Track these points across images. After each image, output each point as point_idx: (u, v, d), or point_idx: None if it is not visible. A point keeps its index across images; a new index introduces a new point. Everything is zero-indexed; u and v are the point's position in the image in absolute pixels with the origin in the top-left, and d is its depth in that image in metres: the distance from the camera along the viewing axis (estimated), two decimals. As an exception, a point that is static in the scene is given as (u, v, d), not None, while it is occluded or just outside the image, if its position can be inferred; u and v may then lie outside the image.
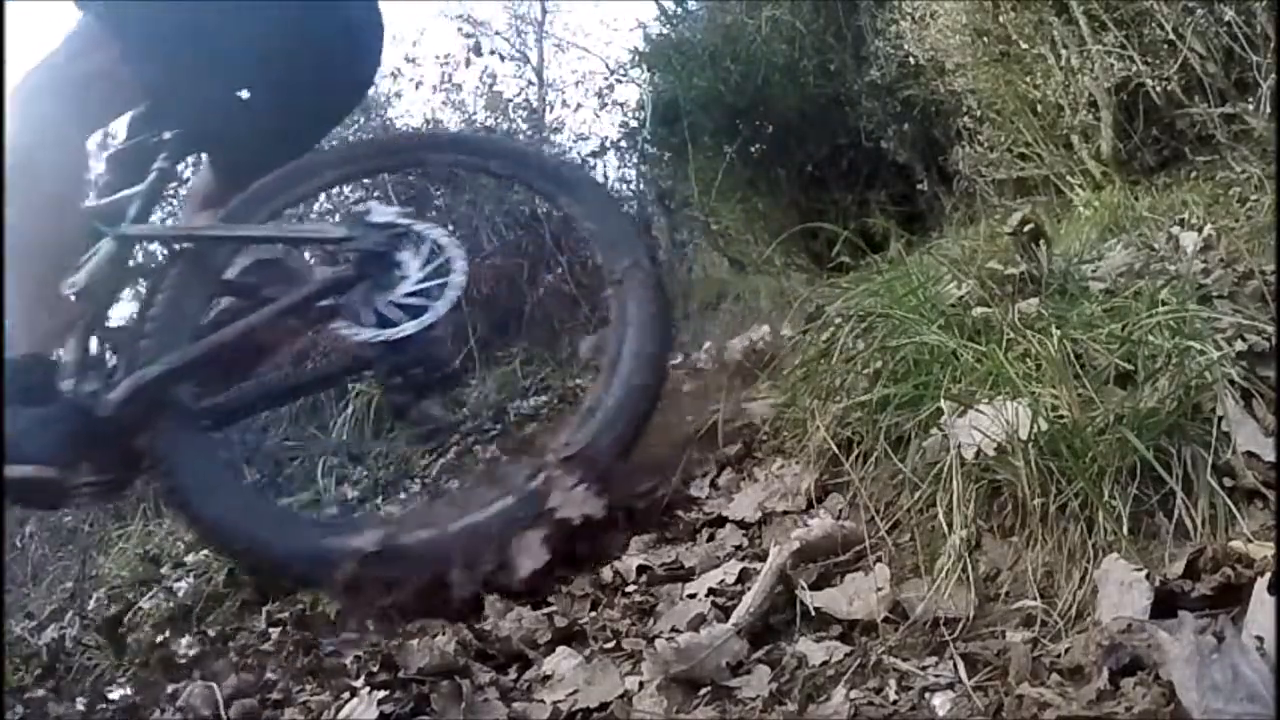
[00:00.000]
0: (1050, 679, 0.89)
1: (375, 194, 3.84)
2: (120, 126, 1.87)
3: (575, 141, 5.49)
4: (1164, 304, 1.28)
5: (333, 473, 2.63)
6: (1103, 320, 1.30)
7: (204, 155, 1.95)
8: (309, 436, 3.02)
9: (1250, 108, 2.62)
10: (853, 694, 0.94)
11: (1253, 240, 1.71)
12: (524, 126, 5.16)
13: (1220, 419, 1.09)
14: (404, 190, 3.80)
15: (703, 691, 1.00)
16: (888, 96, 3.94)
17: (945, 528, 1.11)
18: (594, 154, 5.13)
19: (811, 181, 4.38)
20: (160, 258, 1.83)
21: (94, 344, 1.65)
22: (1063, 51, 3.05)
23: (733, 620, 1.09)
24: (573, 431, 1.53)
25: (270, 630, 1.51)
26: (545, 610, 1.27)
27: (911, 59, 3.58)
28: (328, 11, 1.76)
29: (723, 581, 1.22)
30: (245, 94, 1.79)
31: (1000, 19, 3.18)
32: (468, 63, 5.88)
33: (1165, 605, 0.91)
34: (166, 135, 1.77)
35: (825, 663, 1.01)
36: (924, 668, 0.96)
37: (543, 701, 1.06)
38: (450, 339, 1.70)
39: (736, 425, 1.60)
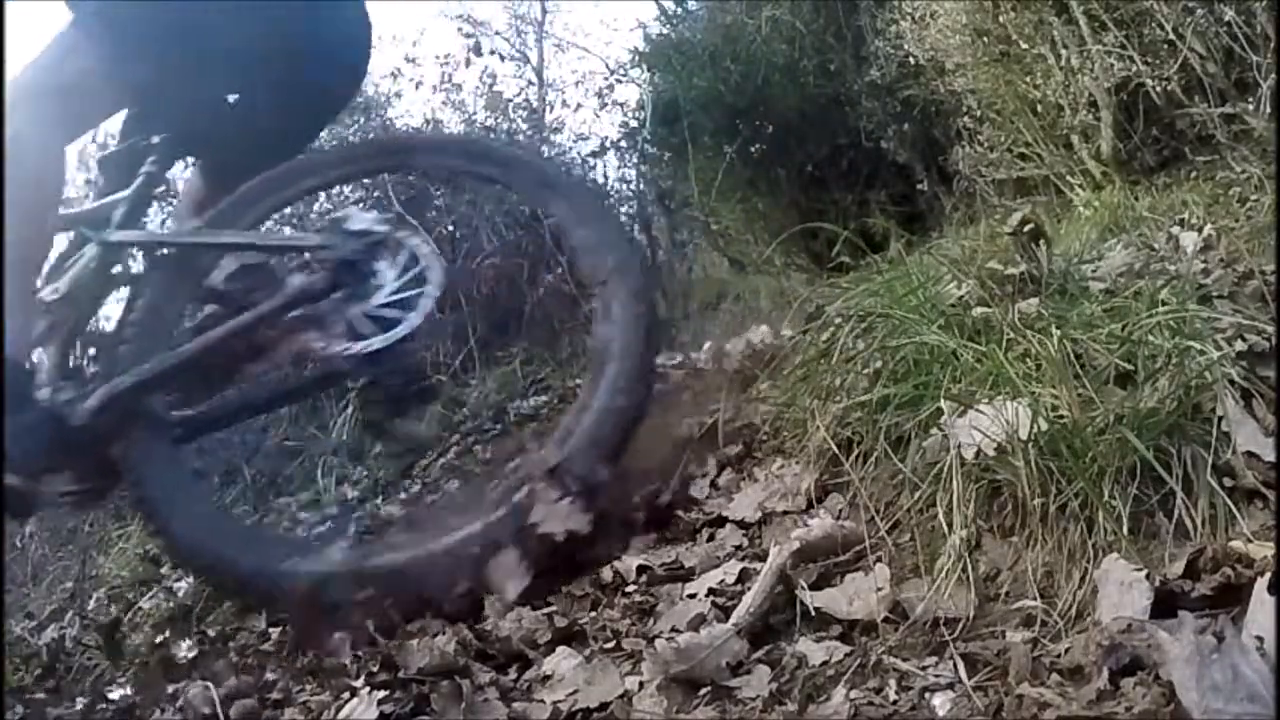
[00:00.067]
0: (1050, 679, 0.89)
1: (375, 193, 3.85)
2: (116, 130, 1.87)
3: (575, 141, 5.49)
4: (1164, 304, 1.28)
5: (333, 473, 2.63)
6: (1103, 320, 1.30)
7: (194, 159, 1.94)
8: (309, 436, 3.02)
9: (1250, 108, 2.62)
10: (853, 694, 0.94)
11: (1253, 240, 1.71)
12: (524, 126, 5.15)
13: (1220, 419, 1.09)
14: (404, 190, 3.79)
15: (703, 691, 1.00)
16: (888, 96, 3.95)
17: (945, 528, 1.11)
18: (594, 154, 5.13)
19: (811, 181, 4.38)
20: (143, 263, 1.80)
21: (77, 350, 1.64)
22: (1063, 51, 3.05)
23: (733, 620, 1.09)
24: (557, 442, 1.47)
25: (270, 630, 1.51)
26: (545, 610, 1.27)
27: (911, 59, 3.58)
28: (315, 13, 1.75)
29: (723, 581, 1.21)
30: (234, 97, 1.78)
31: (1000, 19, 3.18)
32: (468, 63, 5.88)
33: (1165, 605, 0.91)
34: (155, 139, 1.75)
35: (825, 663, 1.01)
36: (924, 668, 0.96)
37: (543, 701, 1.06)
38: (426, 351, 1.63)
39: (736, 425, 1.60)
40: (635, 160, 5.23)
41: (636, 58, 5.34)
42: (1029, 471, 1.07)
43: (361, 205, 4.09)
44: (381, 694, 1.09)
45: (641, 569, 1.31)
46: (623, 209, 5.10)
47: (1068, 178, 3.14)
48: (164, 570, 2.10)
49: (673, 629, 1.15)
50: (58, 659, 1.75)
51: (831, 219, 3.47)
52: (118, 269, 1.75)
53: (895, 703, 0.92)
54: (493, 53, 6.35)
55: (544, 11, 8.87)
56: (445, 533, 1.41)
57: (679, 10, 5.33)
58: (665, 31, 5.28)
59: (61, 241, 1.76)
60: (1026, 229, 1.56)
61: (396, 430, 1.58)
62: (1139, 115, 2.96)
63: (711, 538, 1.38)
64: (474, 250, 3.79)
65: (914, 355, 1.35)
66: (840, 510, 1.30)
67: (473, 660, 1.16)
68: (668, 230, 5.15)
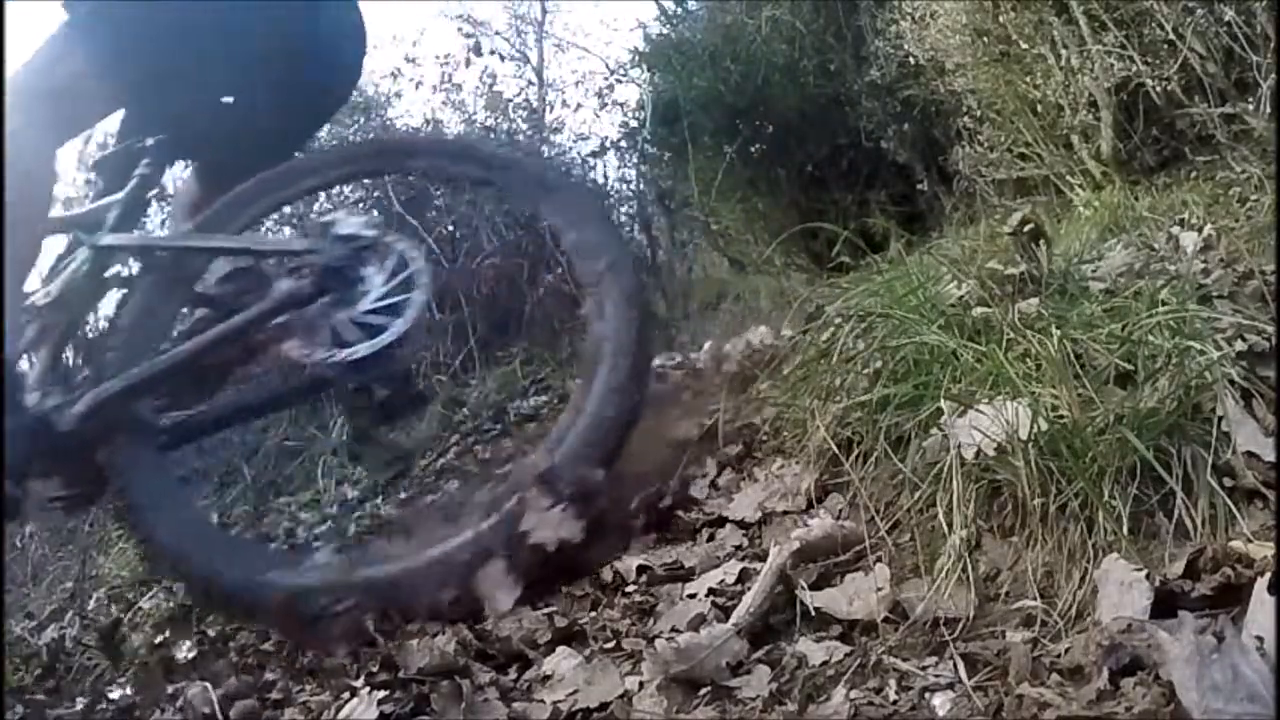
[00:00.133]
0: (1050, 679, 0.89)
1: (376, 193, 3.85)
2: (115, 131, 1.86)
3: (575, 141, 5.49)
4: (1164, 304, 1.28)
5: (333, 473, 2.63)
6: (1103, 320, 1.30)
7: (189, 162, 1.93)
8: (309, 437, 3.02)
9: (1250, 108, 2.62)
10: (853, 694, 0.94)
11: (1253, 240, 1.71)
12: (524, 126, 5.15)
13: (1220, 419, 1.08)
14: (404, 190, 3.80)
15: (703, 691, 1.00)
16: (888, 96, 3.95)
17: (945, 528, 1.11)
18: (594, 154, 5.13)
19: (811, 181, 4.39)
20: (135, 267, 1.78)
21: (69, 354, 1.63)
22: (1063, 51, 3.05)
23: (733, 620, 1.09)
24: (549, 448, 1.43)
25: (270, 630, 1.51)
26: (545, 610, 1.27)
27: (911, 59, 3.58)
28: (309, 13, 1.75)
29: (723, 581, 1.21)
30: (229, 99, 1.76)
31: (1000, 19, 3.18)
32: (468, 63, 5.88)
33: (1165, 605, 0.91)
34: (150, 141, 1.73)
35: (825, 663, 1.01)
36: (924, 668, 0.96)
37: (543, 701, 1.06)
38: (415, 357, 1.58)
39: (736, 425, 1.60)
40: (635, 160, 5.24)
41: (636, 58, 5.35)
42: (1029, 471, 1.07)
43: (362, 205, 4.10)
44: (381, 694, 1.09)
45: (641, 569, 1.31)
46: (623, 209, 5.11)
47: (1068, 178, 3.14)
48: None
49: (673, 629, 1.15)
50: (58, 659, 1.75)
51: (831, 219, 3.48)
52: (111, 273, 1.73)
53: (895, 703, 0.92)
54: (493, 53, 6.36)
55: (544, 11, 8.87)
56: (433, 543, 1.38)
57: (679, 10, 5.33)
58: (665, 31, 5.29)
59: (60, 245, 1.75)
60: (1026, 229, 1.56)
61: (381, 439, 1.54)
62: (1139, 115, 2.96)
63: (711, 538, 1.38)
64: (474, 250, 3.79)
65: (914, 355, 1.35)
66: (840, 510, 1.30)
67: (473, 660, 1.16)
68: (668, 230, 5.15)
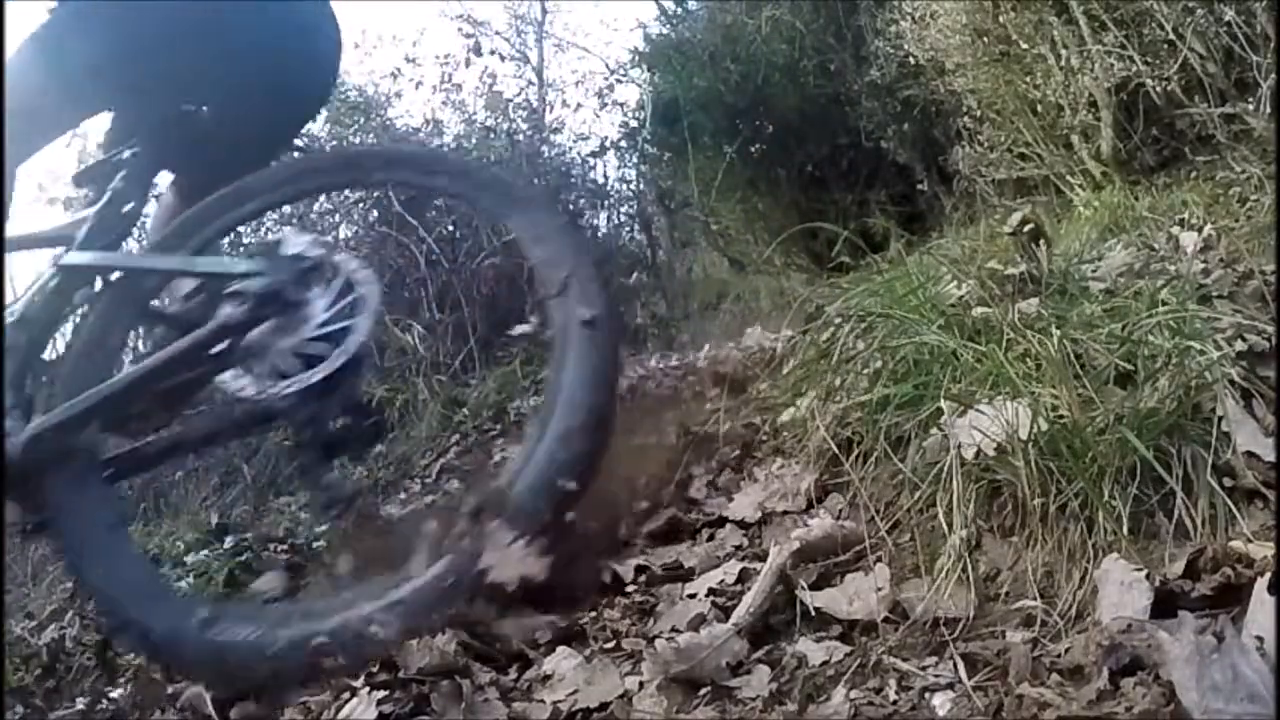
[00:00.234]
0: (1050, 679, 0.89)
1: (375, 194, 3.85)
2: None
3: (575, 141, 5.49)
4: (1164, 304, 1.28)
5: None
6: (1103, 320, 1.30)
7: (166, 175, 1.87)
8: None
9: (1250, 108, 2.62)
10: (853, 694, 0.94)
11: (1253, 240, 1.72)
12: (524, 126, 5.15)
13: (1220, 419, 1.09)
14: (404, 190, 3.79)
15: (703, 691, 1.00)
16: (888, 96, 3.95)
17: (945, 528, 1.11)
18: (594, 154, 5.14)
19: (811, 181, 4.39)
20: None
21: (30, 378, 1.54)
22: (1063, 51, 3.05)
23: (733, 620, 1.09)
24: (510, 475, 1.29)
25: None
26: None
27: (911, 59, 3.59)
28: (283, 19, 1.72)
29: (723, 581, 1.21)
30: (196, 108, 1.70)
31: (1000, 19, 3.19)
32: (468, 63, 5.88)
33: (1165, 605, 0.91)
34: (126, 154, 1.67)
35: (825, 663, 1.01)
36: (924, 668, 0.96)
37: (543, 701, 1.06)
38: (360, 389, 1.44)
39: (736, 425, 1.59)
40: (635, 160, 5.25)
41: (636, 58, 5.36)
42: (1029, 471, 1.07)
43: (362, 205, 4.09)
44: (381, 694, 1.09)
45: (641, 569, 1.31)
46: (622, 209, 5.11)
47: (1068, 178, 3.15)
48: (164, 570, 2.10)
49: (673, 629, 1.15)
50: (58, 659, 1.75)
51: (831, 219, 3.48)
52: (81, 294, 1.62)
53: (895, 703, 0.92)
54: (493, 53, 6.37)
55: (544, 11, 8.90)
56: (373, 596, 1.25)
57: (679, 10, 5.34)
58: (665, 31, 5.29)
59: (43, 263, 1.70)
60: (1026, 229, 1.56)
61: (319, 481, 1.41)
62: (1139, 115, 2.96)
63: (711, 538, 1.38)
64: (474, 250, 3.79)
65: (914, 355, 1.35)
66: (840, 510, 1.30)
67: (473, 660, 1.15)
68: (668, 230, 5.15)
